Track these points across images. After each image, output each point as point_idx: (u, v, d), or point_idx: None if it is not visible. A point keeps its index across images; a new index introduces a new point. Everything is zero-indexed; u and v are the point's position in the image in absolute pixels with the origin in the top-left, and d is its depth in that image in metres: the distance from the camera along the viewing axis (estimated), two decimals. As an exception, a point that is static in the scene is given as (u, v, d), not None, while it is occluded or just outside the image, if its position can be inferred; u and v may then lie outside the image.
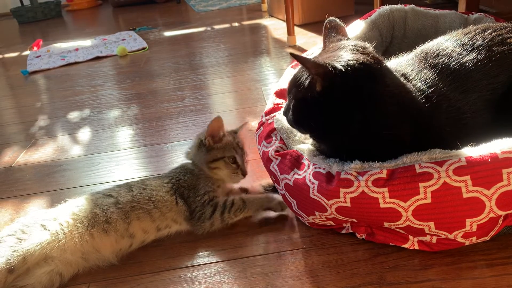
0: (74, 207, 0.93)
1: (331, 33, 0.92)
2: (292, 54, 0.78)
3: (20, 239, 0.86)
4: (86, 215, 0.90)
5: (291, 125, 0.90)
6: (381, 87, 0.79)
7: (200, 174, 1.02)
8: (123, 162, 1.37)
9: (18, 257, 0.82)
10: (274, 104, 1.09)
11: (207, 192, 0.98)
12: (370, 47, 0.86)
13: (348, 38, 0.90)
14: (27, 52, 3.07)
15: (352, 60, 0.78)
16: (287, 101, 0.90)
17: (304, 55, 1.30)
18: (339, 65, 0.77)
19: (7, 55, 3.18)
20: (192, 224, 0.96)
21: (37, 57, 2.86)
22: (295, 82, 0.86)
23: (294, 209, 0.91)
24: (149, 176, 1.21)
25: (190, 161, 1.07)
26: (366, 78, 0.78)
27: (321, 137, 0.88)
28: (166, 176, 1.03)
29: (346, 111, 0.79)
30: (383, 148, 0.80)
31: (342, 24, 0.94)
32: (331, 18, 0.95)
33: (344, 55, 0.80)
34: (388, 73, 0.82)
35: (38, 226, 0.88)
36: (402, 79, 0.84)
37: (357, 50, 0.83)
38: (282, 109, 1.05)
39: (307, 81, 0.82)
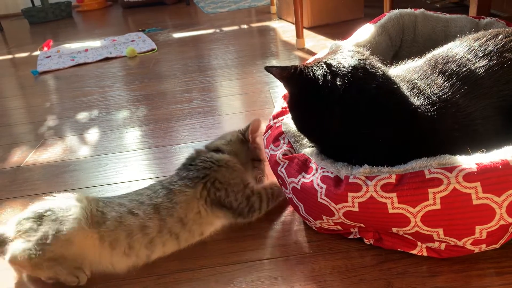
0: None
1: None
2: (265, 68, 0.83)
3: None
4: (112, 230, 0.86)
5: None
6: (358, 86, 0.79)
7: (236, 166, 1.02)
8: (131, 163, 1.37)
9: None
10: (282, 108, 1.09)
11: (246, 186, 0.99)
12: (363, 50, 0.87)
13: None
14: (37, 52, 3.09)
15: (328, 60, 0.82)
16: None
17: (312, 58, 1.30)
18: (301, 65, 0.82)
19: (17, 55, 3.21)
20: (241, 219, 0.97)
21: (47, 57, 2.89)
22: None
23: (301, 213, 0.91)
24: (161, 178, 1.21)
25: (218, 153, 1.03)
26: (337, 77, 0.79)
27: (313, 138, 0.89)
28: (195, 181, 0.95)
29: (321, 108, 0.81)
30: (367, 150, 0.80)
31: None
32: (336, 41, 1.02)
33: (324, 58, 0.84)
34: (372, 75, 0.80)
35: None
36: (407, 85, 0.84)
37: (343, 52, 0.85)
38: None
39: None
